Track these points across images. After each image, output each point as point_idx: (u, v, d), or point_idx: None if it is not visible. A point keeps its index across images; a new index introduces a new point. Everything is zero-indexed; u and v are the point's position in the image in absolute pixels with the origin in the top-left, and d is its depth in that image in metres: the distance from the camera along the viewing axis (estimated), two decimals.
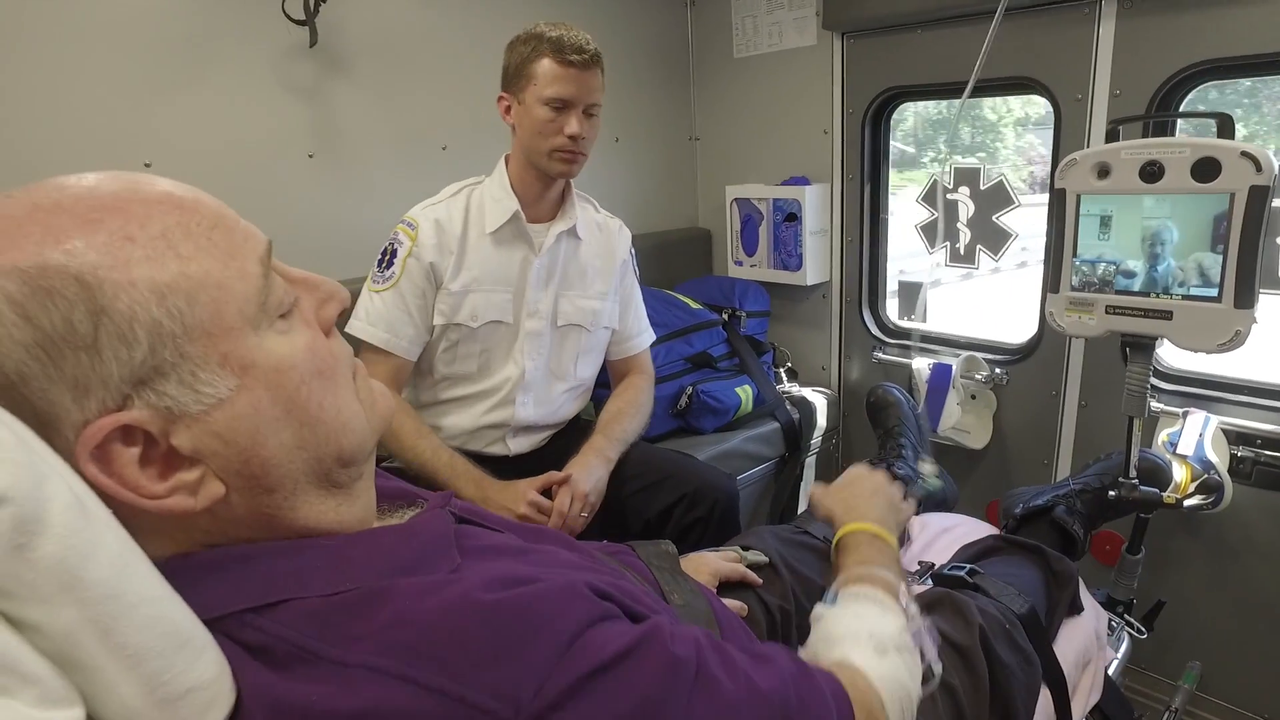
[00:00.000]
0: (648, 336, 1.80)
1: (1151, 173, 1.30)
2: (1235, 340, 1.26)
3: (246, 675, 0.48)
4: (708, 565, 1.16)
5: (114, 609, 0.43)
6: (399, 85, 1.96)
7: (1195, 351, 1.35)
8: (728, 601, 1.01)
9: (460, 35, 2.03)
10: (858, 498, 1.06)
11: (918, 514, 1.48)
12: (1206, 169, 1.24)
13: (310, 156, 1.85)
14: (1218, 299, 1.28)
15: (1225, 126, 1.27)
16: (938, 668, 0.81)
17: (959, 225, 2.13)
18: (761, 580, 1.15)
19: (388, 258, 1.52)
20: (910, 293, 2.40)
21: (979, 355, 2.09)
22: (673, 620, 0.62)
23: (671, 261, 2.53)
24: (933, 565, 1.30)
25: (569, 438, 1.74)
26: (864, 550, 0.95)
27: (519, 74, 1.48)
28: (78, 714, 0.41)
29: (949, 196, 2.12)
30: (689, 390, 2.00)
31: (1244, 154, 1.19)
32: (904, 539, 1.40)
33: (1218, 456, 1.66)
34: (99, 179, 0.50)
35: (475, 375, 1.61)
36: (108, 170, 0.51)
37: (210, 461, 0.50)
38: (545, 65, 1.44)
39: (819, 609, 0.85)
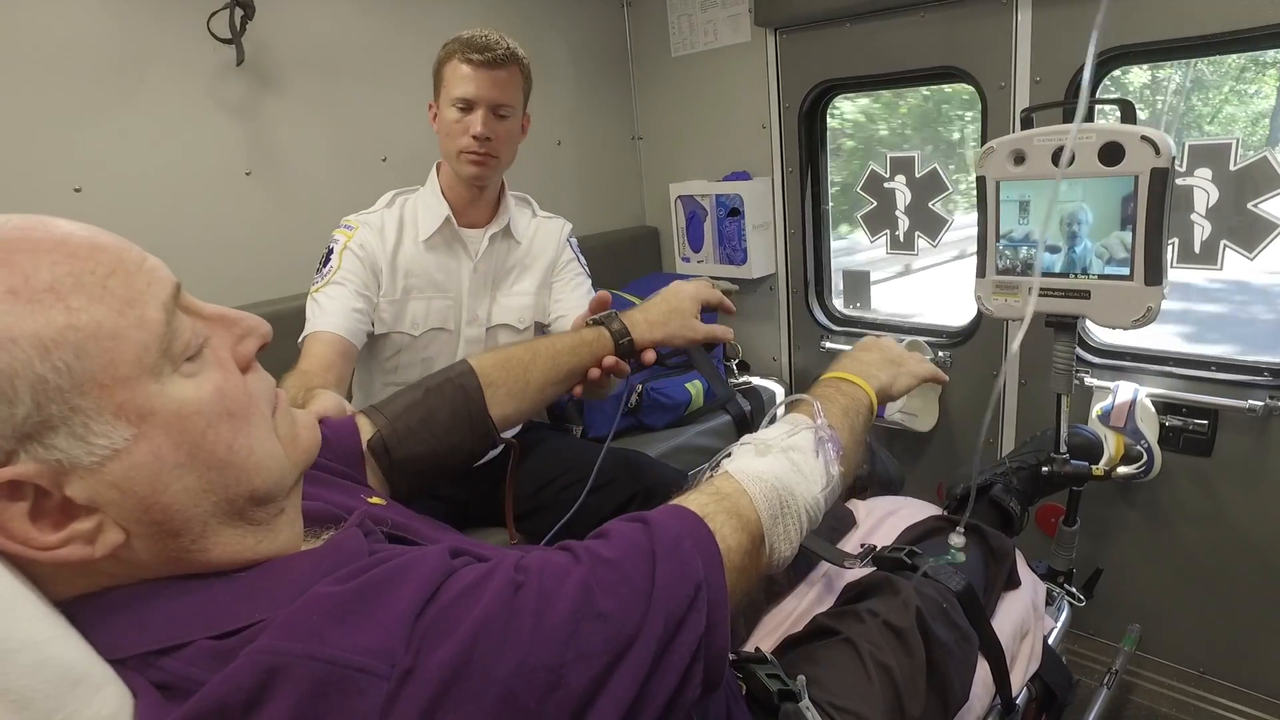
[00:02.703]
0: None
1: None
2: (1147, 316, 1.32)
3: (145, 709, 0.48)
4: (687, 290, 1.19)
5: None
6: (334, 98, 1.95)
7: (1113, 328, 1.41)
8: None
9: (393, 45, 2.03)
10: (851, 356, 1.06)
11: (863, 499, 1.52)
12: (1112, 153, 1.29)
13: (248, 174, 1.84)
14: (1129, 277, 1.33)
15: (1127, 112, 1.32)
16: (834, 470, 0.82)
17: (897, 213, 2.18)
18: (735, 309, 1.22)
19: (325, 257, 1.51)
20: (856, 281, 2.45)
21: (922, 339, 2.14)
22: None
23: (621, 260, 2.55)
24: (874, 548, 1.34)
25: (525, 440, 1.75)
26: (820, 389, 0.95)
27: (436, 79, 1.50)
28: None
29: (886, 185, 2.17)
30: (639, 388, 2.03)
31: (1144, 138, 1.24)
32: (851, 522, 1.44)
33: (1148, 426, 1.73)
34: None
35: None
36: (9, 213, 0.50)
37: (108, 510, 0.50)
38: (453, 66, 1.46)
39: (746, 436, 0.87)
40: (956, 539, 1.12)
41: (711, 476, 0.79)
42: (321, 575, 0.54)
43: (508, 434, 1.14)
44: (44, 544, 0.48)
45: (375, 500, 0.81)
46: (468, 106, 1.46)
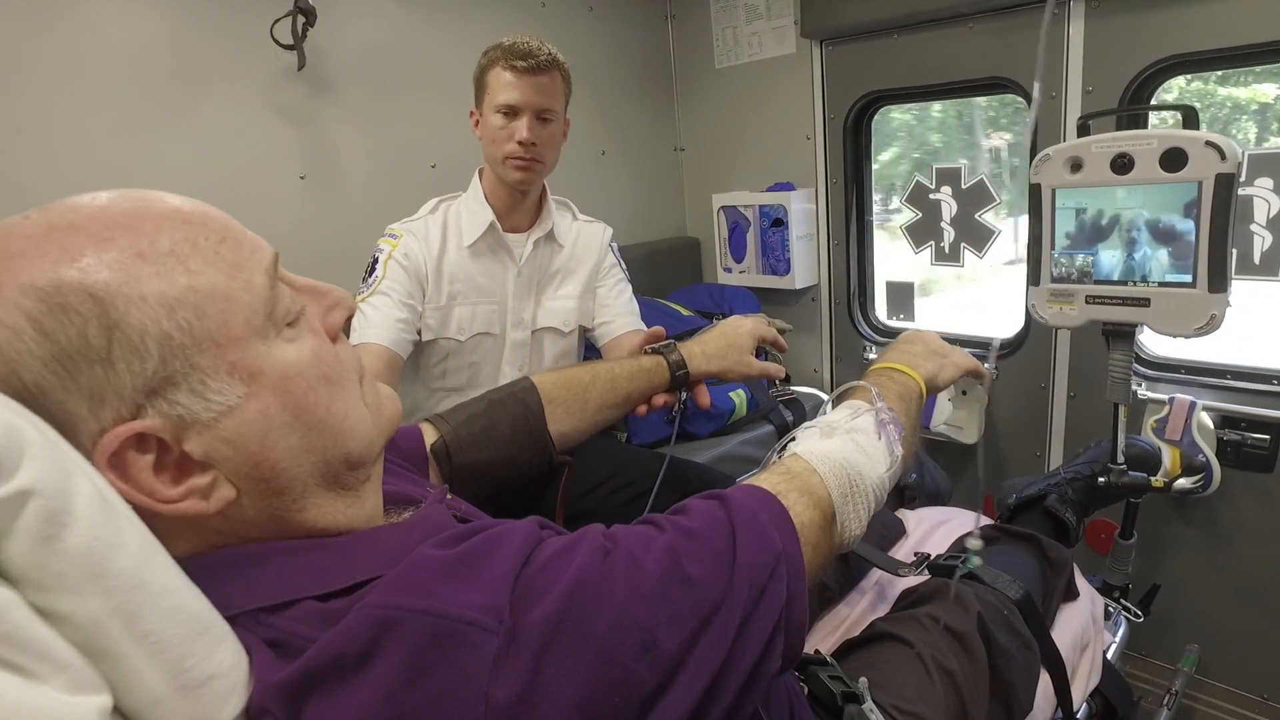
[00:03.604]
0: (637, 319, 1.75)
1: (1122, 165, 1.34)
2: (1211, 324, 1.29)
3: (260, 664, 0.50)
4: (745, 326, 1.24)
5: (139, 597, 0.44)
6: (388, 105, 1.99)
7: (1174, 337, 1.38)
8: None
9: (447, 54, 2.07)
10: (894, 348, 1.07)
11: (912, 509, 1.50)
12: (1174, 159, 1.27)
13: (302, 178, 1.88)
14: (1192, 284, 1.31)
15: (1190, 118, 1.30)
16: (898, 451, 0.82)
17: (943, 224, 2.17)
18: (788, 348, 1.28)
19: (371, 267, 1.54)
20: (900, 293, 2.43)
21: (967, 351, 2.11)
22: None
23: (661, 270, 2.56)
24: (929, 556, 1.32)
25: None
26: (872, 378, 0.96)
27: (478, 86, 1.54)
28: (105, 700, 0.43)
29: (931, 196, 2.16)
30: (683, 396, 2.02)
31: (1209, 143, 1.23)
32: (901, 531, 1.42)
33: (1204, 440, 1.69)
34: (111, 198, 0.52)
35: (465, 387, 1.64)
36: (118, 189, 0.54)
37: (221, 466, 0.52)
38: (496, 73, 1.48)
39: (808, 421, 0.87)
40: (974, 542, 1.09)
41: (779, 459, 0.79)
42: (413, 544, 0.56)
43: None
44: (166, 497, 0.51)
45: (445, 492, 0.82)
46: (512, 112, 1.49)
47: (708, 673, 0.53)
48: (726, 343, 1.23)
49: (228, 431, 0.52)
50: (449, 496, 0.82)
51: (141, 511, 0.49)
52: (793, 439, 0.83)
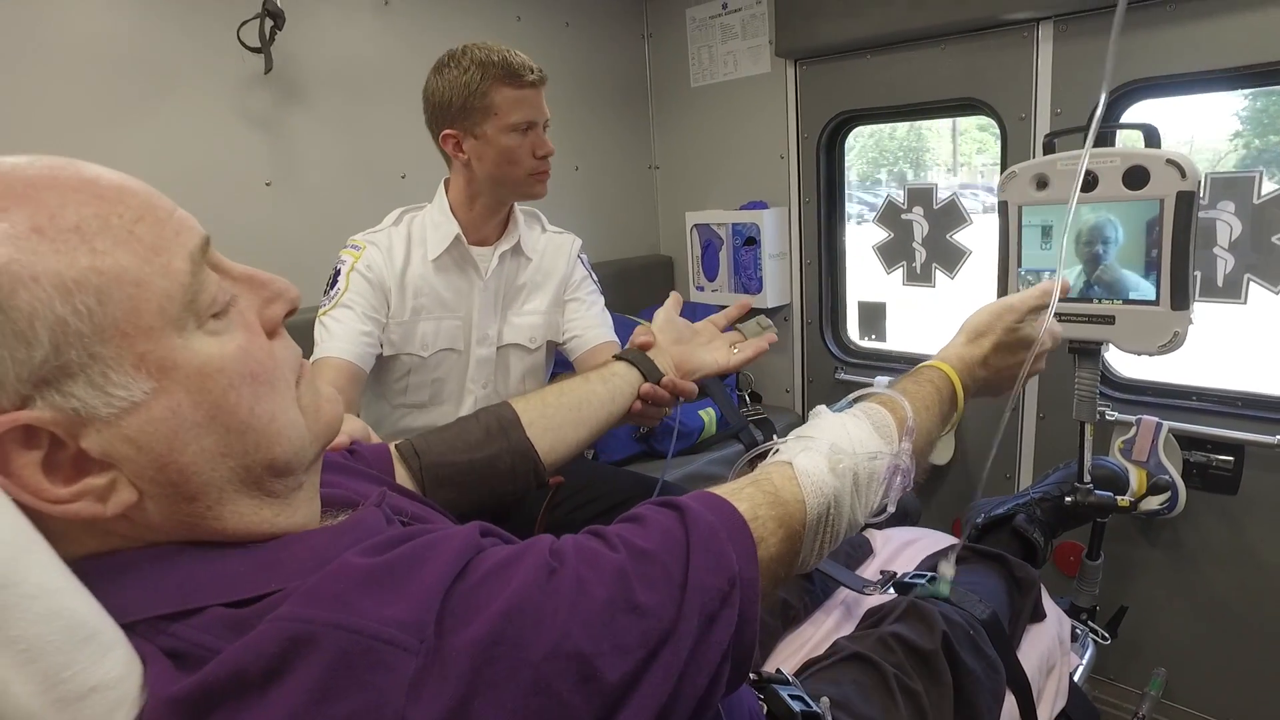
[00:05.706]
0: (610, 330, 1.70)
1: (1087, 182, 1.34)
2: (1174, 342, 1.29)
3: (156, 675, 0.45)
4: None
5: (6, 599, 0.40)
6: (357, 113, 1.97)
7: (1138, 355, 1.38)
8: None
9: (420, 64, 2.03)
10: (971, 328, 1.00)
11: (880, 529, 1.48)
12: (1136, 177, 1.28)
13: (268, 185, 1.85)
14: (1155, 302, 1.31)
15: (1152, 137, 1.32)
16: (892, 507, 0.77)
17: (914, 245, 2.18)
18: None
19: (332, 280, 1.49)
20: (872, 313, 2.43)
21: None
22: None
23: (634, 288, 2.55)
24: (894, 574, 1.30)
25: None
26: (917, 380, 0.90)
27: (470, 107, 1.45)
28: None
29: (903, 216, 2.17)
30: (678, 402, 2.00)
31: (1169, 161, 1.23)
32: (868, 550, 1.41)
33: (1171, 462, 1.70)
34: (18, 163, 0.47)
35: (428, 404, 1.60)
36: (36, 154, 0.49)
37: (123, 467, 0.48)
38: (502, 93, 1.42)
39: (821, 407, 0.81)
40: (946, 568, 1.06)
41: (774, 459, 0.74)
42: (342, 549, 0.52)
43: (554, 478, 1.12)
44: (54, 496, 0.46)
45: (400, 489, 0.78)
46: (530, 128, 1.46)
47: (652, 707, 0.50)
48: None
49: (130, 430, 0.47)
50: (390, 493, 0.78)
51: (28, 510, 0.45)
52: (796, 437, 0.76)
